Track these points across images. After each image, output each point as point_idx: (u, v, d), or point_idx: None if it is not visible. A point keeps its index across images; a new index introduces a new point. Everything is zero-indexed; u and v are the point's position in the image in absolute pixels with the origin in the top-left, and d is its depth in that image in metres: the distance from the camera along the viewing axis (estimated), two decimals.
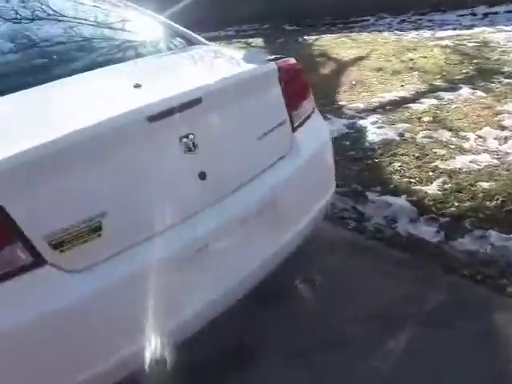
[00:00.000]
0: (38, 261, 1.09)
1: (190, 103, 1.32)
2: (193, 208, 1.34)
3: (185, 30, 2.12)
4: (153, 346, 1.22)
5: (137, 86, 1.40)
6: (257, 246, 1.49)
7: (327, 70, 5.58)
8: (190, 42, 2.04)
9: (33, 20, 1.90)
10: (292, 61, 1.78)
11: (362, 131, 3.57)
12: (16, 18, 1.90)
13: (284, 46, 7.24)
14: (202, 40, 2.08)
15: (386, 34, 6.83)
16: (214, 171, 1.37)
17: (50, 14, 1.97)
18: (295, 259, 2.16)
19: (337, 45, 6.63)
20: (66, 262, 1.13)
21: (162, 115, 1.25)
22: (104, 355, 1.17)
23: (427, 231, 2.27)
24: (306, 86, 1.85)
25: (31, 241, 1.08)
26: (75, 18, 1.98)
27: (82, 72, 1.58)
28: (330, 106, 4.20)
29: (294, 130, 1.70)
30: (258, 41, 8.25)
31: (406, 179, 2.75)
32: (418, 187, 2.64)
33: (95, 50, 1.84)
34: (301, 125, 1.74)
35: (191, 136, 1.32)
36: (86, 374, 1.15)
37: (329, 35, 7.49)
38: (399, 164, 2.93)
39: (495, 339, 1.71)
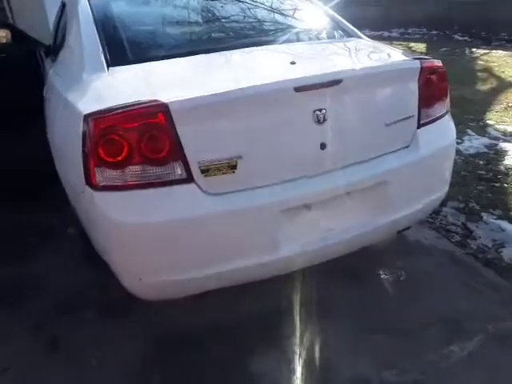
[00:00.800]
0: (188, 178, 1.47)
1: (331, 83, 1.56)
2: (308, 171, 1.60)
3: (346, 23, 2.35)
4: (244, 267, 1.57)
5: (292, 62, 1.70)
6: (354, 219, 1.71)
7: (486, 86, 5.29)
8: (348, 34, 2.27)
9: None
10: (437, 63, 1.89)
11: (500, 154, 3.42)
12: None
13: (446, 55, 6.96)
14: (359, 34, 2.29)
15: None
16: (334, 144, 1.60)
17: None
18: (390, 252, 2.33)
19: (506, 63, 6.19)
20: (206, 185, 1.48)
21: (305, 88, 1.52)
22: (215, 257, 1.53)
23: None
24: (444, 89, 1.93)
25: (189, 163, 1.45)
26: (256, 1, 2.35)
27: (256, 46, 1.95)
28: (475, 123, 4.08)
29: (419, 126, 1.82)
30: (420, 46, 8.03)
31: None
32: None
33: (271, 31, 2.19)
34: (428, 123, 1.85)
35: (324, 111, 1.56)
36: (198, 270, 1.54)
37: (500, 51, 6.98)
38: None
39: None
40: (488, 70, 5.89)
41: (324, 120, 1.57)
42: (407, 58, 1.88)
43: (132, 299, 1.64)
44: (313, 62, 1.86)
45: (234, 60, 1.84)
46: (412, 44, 8.22)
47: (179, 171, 1.46)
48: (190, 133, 1.44)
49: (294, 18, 2.34)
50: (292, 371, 1.70)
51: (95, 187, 1.44)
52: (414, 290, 2.10)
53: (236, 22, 2.17)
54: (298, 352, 1.78)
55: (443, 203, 2.78)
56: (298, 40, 2.11)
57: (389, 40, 8.85)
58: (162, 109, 1.39)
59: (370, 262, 2.30)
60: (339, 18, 2.38)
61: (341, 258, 2.20)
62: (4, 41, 3.46)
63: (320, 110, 1.56)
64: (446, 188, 2.04)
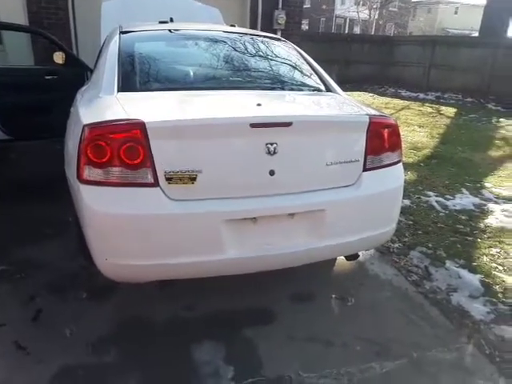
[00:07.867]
0: (155, 183, 1.84)
1: (283, 124, 1.92)
2: (256, 192, 1.94)
3: (329, 80, 2.73)
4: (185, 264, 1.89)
5: (259, 104, 2.07)
6: (293, 238, 2.00)
7: (498, 153, 5.45)
8: (328, 89, 2.64)
9: (235, 50, 2.79)
10: (389, 120, 2.21)
11: (485, 213, 3.60)
12: (235, 48, 2.81)
13: (471, 121, 7.18)
14: (338, 90, 2.65)
15: None
16: (281, 173, 1.93)
17: (246, 49, 2.85)
18: (348, 280, 2.58)
19: None
20: (169, 191, 1.85)
21: (259, 125, 1.88)
22: (167, 251, 1.87)
23: (478, 309, 2.37)
24: (395, 142, 2.23)
25: (157, 171, 1.83)
26: (257, 54, 2.81)
27: (239, 89, 2.38)
28: (472, 184, 4.26)
29: (365, 169, 2.13)
30: (450, 110, 8.28)
31: (493, 264, 2.80)
32: (500, 274, 2.68)
33: (258, 78, 2.62)
34: (375, 168, 2.15)
35: (274, 145, 1.91)
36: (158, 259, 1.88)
37: None
38: (498, 250, 2.97)
39: None
40: (506, 139, 6.04)
41: (274, 152, 1.91)
42: (361, 113, 2.21)
43: (112, 286, 1.98)
44: (275, 106, 2.23)
45: (215, 97, 2.25)
46: (443, 108, 8.49)
47: (148, 176, 1.84)
48: (160, 147, 1.82)
49: (286, 70, 2.76)
50: (227, 362, 1.97)
51: (82, 181, 1.85)
52: (355, 313, 2.33)
53: (228, 67, 2.62)
54: (238, 349, 2.05)
55: (412, 247, 3.02)
56: (279, 89, 2.51)
57: (422, 101, 9.17)
58: (141, 126, 1.80)
59: (326, 286, 2.56)
60: (326, 75, 2.77)
61: (301, 279, 2.50)
62: (60, 62, 4.05)
63: (271, 144, 1.91)
64: (392, 226, 2.29)
